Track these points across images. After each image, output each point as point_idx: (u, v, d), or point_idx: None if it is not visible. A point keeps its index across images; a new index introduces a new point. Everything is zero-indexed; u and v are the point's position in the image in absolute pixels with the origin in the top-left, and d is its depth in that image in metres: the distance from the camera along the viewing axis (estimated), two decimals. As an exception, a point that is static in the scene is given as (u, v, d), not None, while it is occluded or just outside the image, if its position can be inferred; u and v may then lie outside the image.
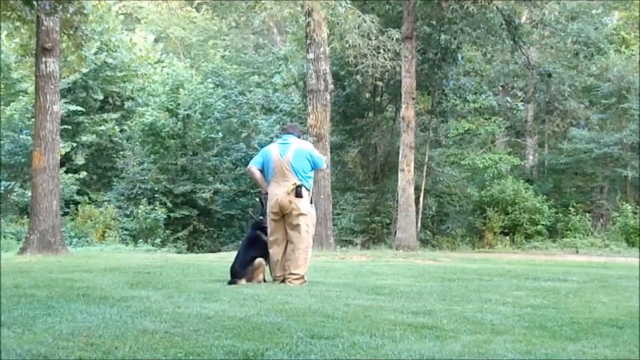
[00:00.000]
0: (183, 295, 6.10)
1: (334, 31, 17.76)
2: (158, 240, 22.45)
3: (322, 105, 17.37)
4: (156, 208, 23.30)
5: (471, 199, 24.90)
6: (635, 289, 7.46)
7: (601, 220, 26.08)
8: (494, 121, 25.53)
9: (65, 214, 21.62)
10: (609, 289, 7.62)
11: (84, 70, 21.57)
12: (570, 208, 25.22)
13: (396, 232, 19.50)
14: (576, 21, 23.47)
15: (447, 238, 23.66)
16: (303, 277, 7.46)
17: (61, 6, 13.38)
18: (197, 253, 21.32)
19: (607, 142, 25.91)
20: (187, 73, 26.83)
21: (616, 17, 31.35)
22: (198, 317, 4.87)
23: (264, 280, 7.53)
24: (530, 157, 30.04)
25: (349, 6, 16.58)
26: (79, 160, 24.43)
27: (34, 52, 14.73)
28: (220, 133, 26.18)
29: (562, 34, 22.51)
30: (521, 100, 26.61)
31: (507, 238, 23.95)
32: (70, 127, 23.48)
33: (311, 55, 17.35)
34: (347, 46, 16.84)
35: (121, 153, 25.51)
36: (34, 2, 12.48)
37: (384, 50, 17.52)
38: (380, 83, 21.65)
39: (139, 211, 22.85)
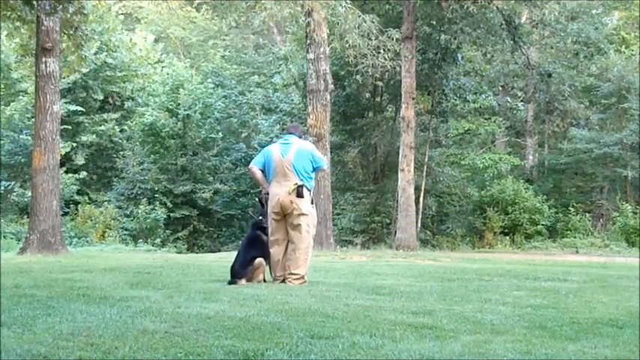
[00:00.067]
0: (183, 295, 6.10)
1: (334, 31, 17.76)
2: (158, 240, 22.45)
3: (322, 105, 17.38)
4: (156, 208, 23.30)
5: (471, 199, 24.90)
6: (635, 289, 7.46)
7: (601, 220, 26.08)
8: (494, 121, 25.54)
9: (65, 214, 21.62)
10: (609, 289, 7.62)
11: (84, 70, 21.57)
12: (570, 208, 25.23)
13: (396, 232, 19.50)
14: (576, 21, 23.48)
15: (447, 238, 23.66)
16: (303, 277, 7.46)
17: (61, 6, 13.38)
18: (197, 253, 21.32)
19: (607, 142, 25.91)
20: (187, 73, 26.83)
21: (616, 17, 31.35)
22: (198, 317, 4.87)
23: (264, 280, 7.53)
24: (530, 157, 30.05)
25: (349, 6, 16.58)
26: (79, 160, 24.43)
27: (34, 52, 14.73)
28: (220, 133, 26.18)
29: (562, 34, 22.51)
30: (521, 100, 26.62)
31: (507, 238, 23.96)
32: (70, 127, 23.48)
33: (311, 55, 17.36)
34: (347, 46, 16.84)
35: (121, 153, 25.52)
36: (34, 2, 12.48)
37: (384, 50, 17.52)
38: (380, 83, 21.65)
39: (139, 211, 22.85)
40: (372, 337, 4.33)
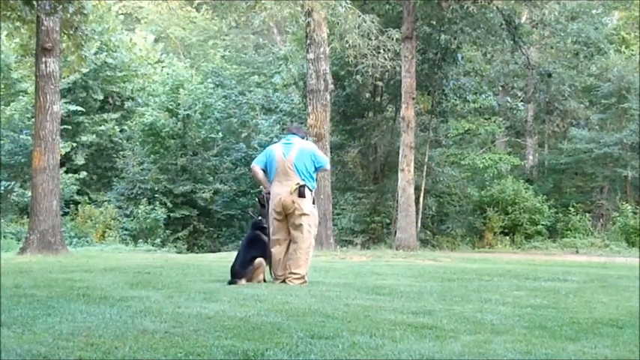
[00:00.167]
0: (183, 295, 6.10)
1: (334, 31, 17.76)
2: (158, 240, 22.46)
3: (322, 105, 17.38)
4: (156, 208, 23.30)
5: (471, 199, 24.90)
6: (635, 289, 7.46)
7: (601, 220, 26.08)
8: (494, 121, 25.54)
9: (65, 214, 21.62)
10: (609, 289, 7.62)
11: (84, 70, 21.57)
12: (570, 208, 25.23)
13: (396, 232, 19.51)
14: (576, 21, 23.48)
15: (447, 238, 23.66)
16: (303, 277, 7.46)
17: (61, 6, 13.37)
18: (197, 253, 21.32)
19: (607, 142, 25.91)
20: (187, 73, 26.83)
21: (616, 17, 31.35)
22: (198, 317, 4.87)
23: (264, 280, 7.53)
24: (530, 157, 30.05)
25: (349, 6, 16.58)
26: (79, 160, 24.43)
27: (34, 52, 14.73)
28: (220, 133, 26.18)
29: (562, 34, 22.52)
30: (521, 100, 26.62)
31: (507, 238, 23.96)
32: (70, 127, 23.48)
33: (311, 55, 17.36)
34: (347, 46, 16.85)
35: (121, 153, 25.52)
36: (34, 2, 12.48)
37: (384, 50, 17.52)
38: (380, 83, 21.65)
39: (139, 211, 22.85)
40: (372, 337, 4.33)
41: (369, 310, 5.44)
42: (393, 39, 17.81)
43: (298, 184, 7.46)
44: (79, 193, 24.17)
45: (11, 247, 16.91)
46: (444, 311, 5.50)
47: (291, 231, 7.54)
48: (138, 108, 26.18)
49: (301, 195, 7.44)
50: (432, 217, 24.30)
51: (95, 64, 24.54)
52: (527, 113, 27.46)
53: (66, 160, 22.78)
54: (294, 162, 7.50)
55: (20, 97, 23.59)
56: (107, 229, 22.13)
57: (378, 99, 23.82)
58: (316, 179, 7.89)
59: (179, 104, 24.99)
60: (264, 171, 7.73)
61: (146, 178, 24.81)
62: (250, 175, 22.06)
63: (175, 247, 22.79)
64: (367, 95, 23.83)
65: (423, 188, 21.60)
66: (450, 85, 22.30)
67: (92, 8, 20.90)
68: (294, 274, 7.42)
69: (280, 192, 7.48)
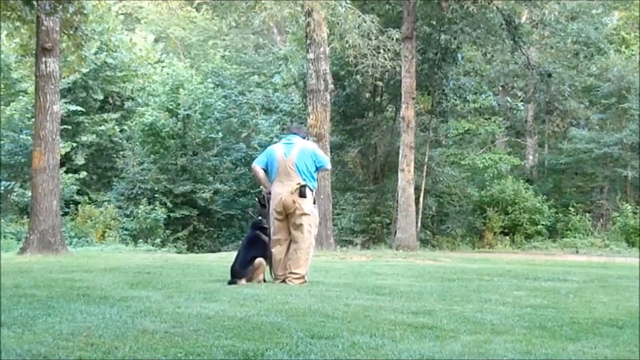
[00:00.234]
0: (183, 295, 6.09)
1: (334, 31, 17.76)
2: (158, 240, 22.46)
3: (322, 105, 17.38)
4: (156, 208, 23.31)
5: (471, 199, 24.91)
6: (635, 289, 7.46)
7: (601, 220, 26.09)
8: (494, 121, 25.54)
9: (65, 214, 21.62)
10: (609, 289, 7.62)
11: (84, 70, 21.57)
12: (570, 208, 25.23)
13: (396, 232, 19.51)
14: (576, 21, 23.48)
15: (447, 238, 23.66)
16: (303, 276, 7.46)
17: (61, 6, 13.38)
18: (197, 253, 21.32)
19: (607, 142, 25.92)
20: (187, 73, 26.84)
21: (616, 17, 31.35)
22: (198, 317, 4.87)
23: (264, 280, 7.53)
24: (530, 157, 30.05)
25: (349, 6, 16.58)
26: (79, 160, 24.43)
27: (34, 52, 14.73)
28: (220, 133, 26.18)
29: (562, 34, 22.52)
30: (521, 100, 26.62)
31: (507, 238, 23.96)
32: (70, 127, 23.48)
33: (311, 55, 17.36)
34: (347, 46, 16.84)
35: (121, 153, 25.52)
36: (34, 2, 12.48)
37: (384, 50, 17.52)
38: (380, 83, 21.65)
39: (139, 211, 22.85)
40: (372, 337, 4.33)
41: (369, 310, 5.44)
42: (393, 39, 17.81)
43: (299, 184, 7.46)
44: (79, 193, 24.17)
45: (11, 247, 16.91)
46: (444, 311, 5.50)
47: (291, 231, 7.54)
48: (138, 108, 26.18)
49: (302, 195, 7.45)
50: (432, 217, 24.30)
51: (95, 64, 24.55)
52: (527, 113, 27.47)
53: (66, 160, 22.79)
54: (295, 162, 7.50)
55: (20, 97, 23.59)
56: (107, 229, 22.14)
57: (378, 99, 23.82)
58: (317, 179, 7.89)
59: (179, 104, 24.99)
60: (265, 171, 7.73)
61: (146, 178, 24.82)
62: (250, 175, 22.10)
63: (175, 247, 22.79)
64: (367, 95, 23.83)
65: (423, 188, 21.60)
66: (450, 85, 22.30)
67: (92, 8, 20.90)
68: (294, 273, 7.42)
69: (281, 192, 7.49)
